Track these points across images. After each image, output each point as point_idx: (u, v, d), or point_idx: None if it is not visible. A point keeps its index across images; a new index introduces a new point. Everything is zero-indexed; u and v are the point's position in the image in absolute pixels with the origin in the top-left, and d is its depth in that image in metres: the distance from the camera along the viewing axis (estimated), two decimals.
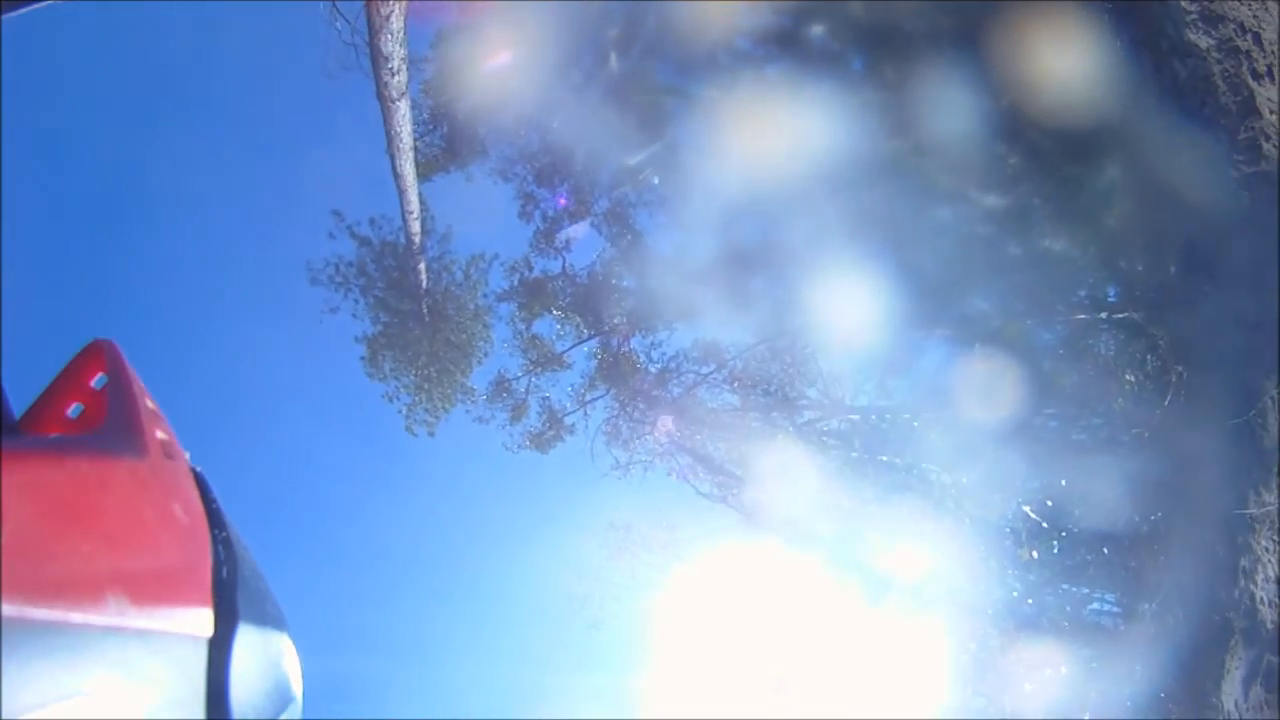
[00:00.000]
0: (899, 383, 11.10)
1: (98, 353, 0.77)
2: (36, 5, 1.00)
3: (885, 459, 10.72)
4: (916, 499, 10.28)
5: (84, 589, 0.48)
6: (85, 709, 0.46)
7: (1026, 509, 9.14)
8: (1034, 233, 8.74)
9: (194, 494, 0.68)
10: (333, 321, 11.03)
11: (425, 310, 11.30)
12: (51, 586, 0.46)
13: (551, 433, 12.03)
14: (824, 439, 11.39)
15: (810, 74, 8.53)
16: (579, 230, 11.23)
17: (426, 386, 11.51)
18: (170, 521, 0.61)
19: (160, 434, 0.68)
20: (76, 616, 0.47)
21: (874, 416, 11.28)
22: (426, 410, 11.60)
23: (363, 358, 11.30)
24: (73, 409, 0.76)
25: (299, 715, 0.72)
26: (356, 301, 11.11)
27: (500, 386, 11.94)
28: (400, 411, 11.52)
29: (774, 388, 11.54)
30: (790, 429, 11.26)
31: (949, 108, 7.56)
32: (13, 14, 1.02)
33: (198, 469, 0.72)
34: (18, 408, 0.75)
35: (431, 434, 11.66)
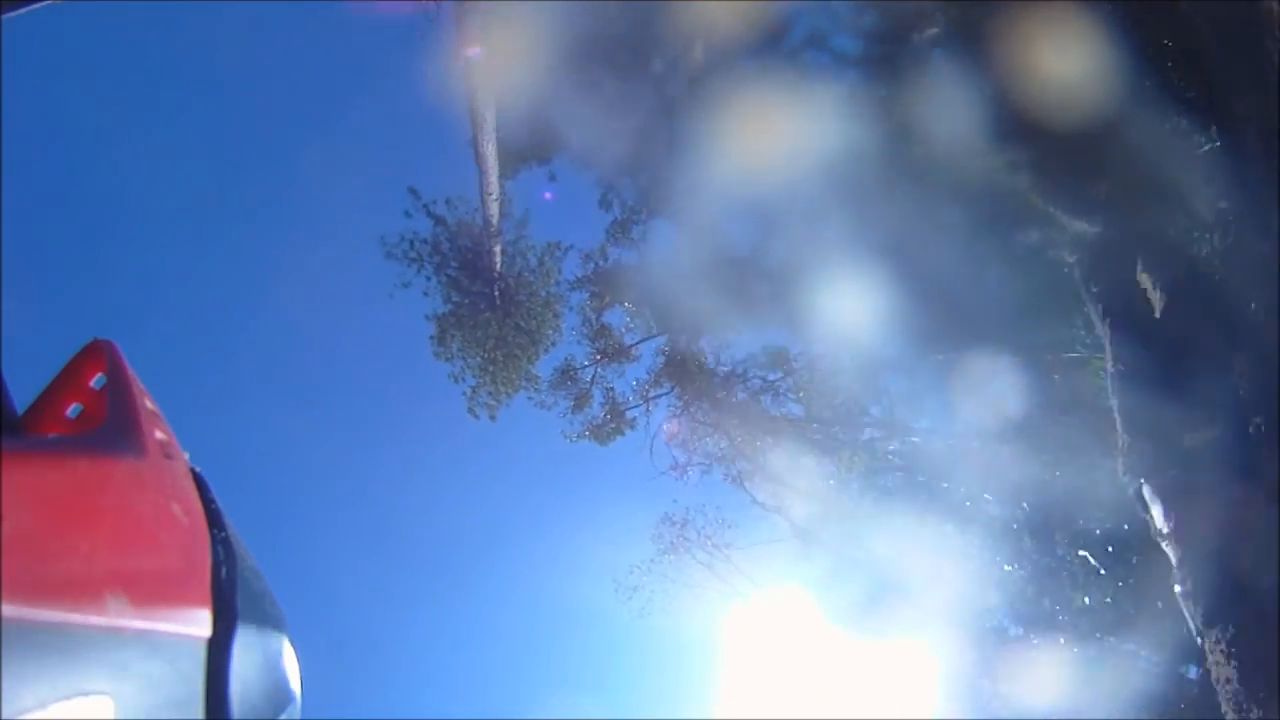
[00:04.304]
0: (944, 403, 10.72)
1: (97, 353, 0.77)
2: (36, 5, 1.00)
3: (945, 485, 10.39)
4: (942, 514, 10.04)
5: (83, 589, 0.48)
6: (84, 709, 0.46)
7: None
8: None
9: (194, 494, 0.68)
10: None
11: (497, 294, 11.15)
12: (51, 587, 0.46)
13: (613, 425, 11.92)
14: (885, 459, 11.17)
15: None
16: (651, 227, 10.93)
17: (492, 369, 11.33)
18: (170, 521, 0.61)
19: (160, 434, 0.68)
20: (76, 617, 0.47)
21: (935, 441, 10.94)
22: (490, 393, 11.42)
23: (432, 336, 11.16)
24: (72, 409, 0.76)
25: (298, 715, 0.72)
26: (429, 279, 10.93)
27: (565, 374, 11.80)
28: (464, 393, 11.35)
29: (839, 402, 11.29)
30: (850, 446, 11.04)
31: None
32: (12, 14, 1.02)
33: (197, 469, 0.72)
34: (18, 408, 0.75)
35: (493, 417, 11.50)
